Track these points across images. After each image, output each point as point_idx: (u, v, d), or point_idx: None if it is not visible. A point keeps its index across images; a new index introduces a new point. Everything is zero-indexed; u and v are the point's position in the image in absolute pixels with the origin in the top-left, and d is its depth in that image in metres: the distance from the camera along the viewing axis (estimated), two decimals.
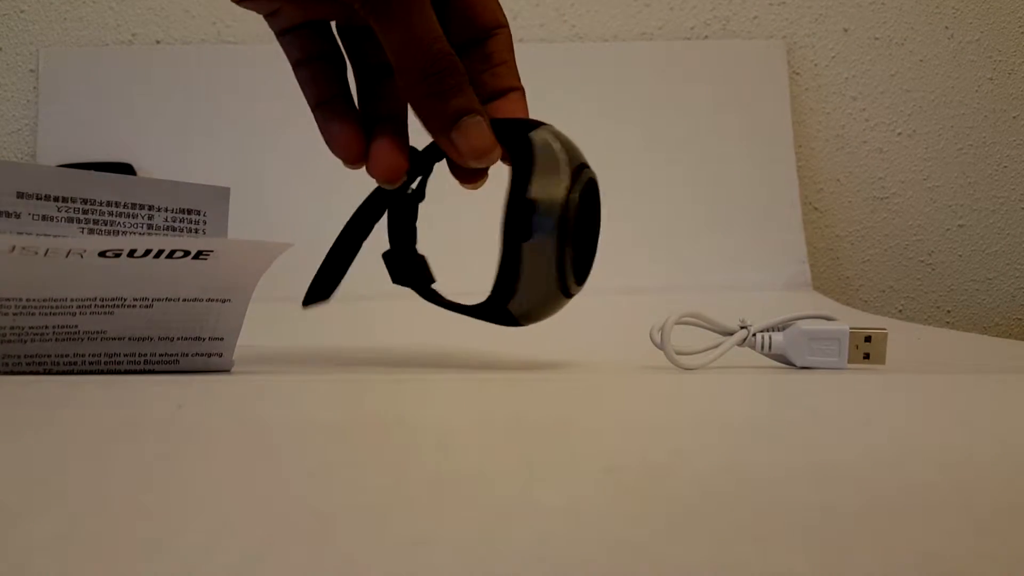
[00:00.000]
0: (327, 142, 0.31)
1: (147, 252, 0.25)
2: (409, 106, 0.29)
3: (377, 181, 0.31)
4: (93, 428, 0.20)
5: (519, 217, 0.28)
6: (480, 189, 0.32)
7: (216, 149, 0.91)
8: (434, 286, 0.33)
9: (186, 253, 0.26)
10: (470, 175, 0.31)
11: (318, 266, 0.34)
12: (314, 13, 0.31)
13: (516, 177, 0.29)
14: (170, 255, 0.26)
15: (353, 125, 0.31)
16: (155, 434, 0.19)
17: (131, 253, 0.25)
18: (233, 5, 0.30)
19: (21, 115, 1.00)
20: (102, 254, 0.25)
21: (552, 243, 0.28)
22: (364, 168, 0.31)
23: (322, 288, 0.33)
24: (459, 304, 0.31)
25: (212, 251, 0.26)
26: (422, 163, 0.32)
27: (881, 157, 1.01)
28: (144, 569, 0.11)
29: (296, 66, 0.32)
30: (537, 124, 0.30)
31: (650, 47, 0.98)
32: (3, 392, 0.24)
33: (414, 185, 0.33)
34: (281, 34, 0.32)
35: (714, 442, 0.19)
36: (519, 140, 0.29)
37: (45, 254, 0.25)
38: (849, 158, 1.01)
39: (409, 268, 0.33)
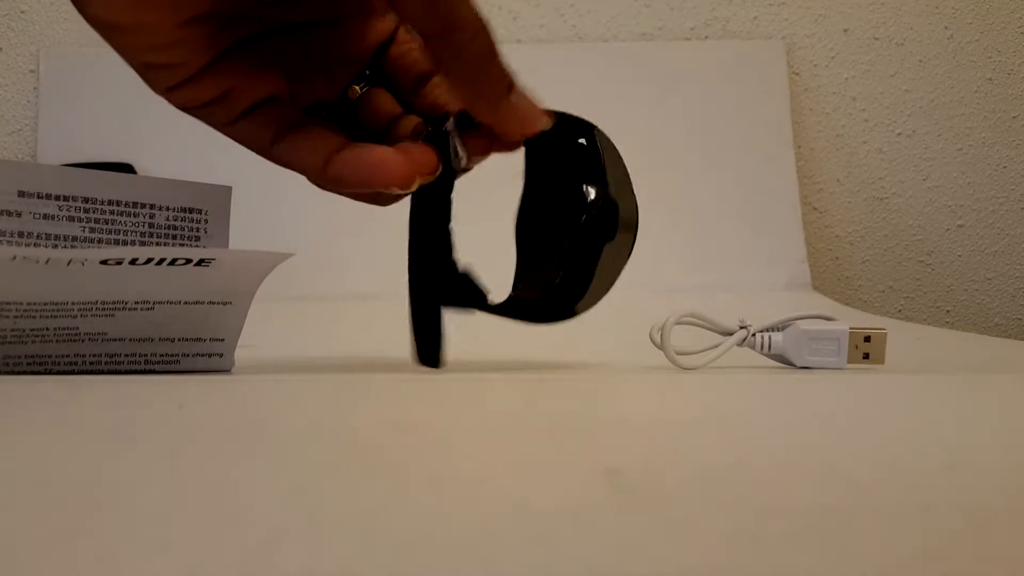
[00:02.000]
0: (370, 173, 0.27)
1: (149, 260, 0.25)
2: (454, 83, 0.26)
3: (420, 183, 0.28)
4: (93, 428, 0.20)
5: (603, 216, 0.28)
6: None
7: (217, 149, 0.91)
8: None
9: (188, 261, 0.26)
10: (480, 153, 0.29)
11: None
12: (274, 85, 0.27)
13: (589, 175, 0.28)
14: (172, 263, 0.26)
15: (381, 146, 0.27)
16: (155, 434, 0.19)
17: (133, 261, 0.25)
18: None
19: (22, 115, 1.00)
20: (103, 262, 0.25)
21: (629, 243, 0.29)
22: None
23: (433, 345, 0.29)
24: (514, 308, 0.30)
25: (214, 259, 0.26)
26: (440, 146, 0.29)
27: (881, 157, 1.01)
28: (144, 569, 0.11)
29: (274, 145, 0.27)
30: (585, 121, 0.29)
31: (650, 47, 0.98)
32: (3, 392, 0.24)
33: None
34: (237, 119, 0.27)
35: (714, 442, 0.19)
36: (585, 136, 0.28)
37: (46, 263, 0.25)
38: (849, 158, 1.01)
39: (454, 287, 0.29)
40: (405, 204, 0.30)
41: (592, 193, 0.28)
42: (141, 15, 0.24)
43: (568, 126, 0.29)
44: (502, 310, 0.30)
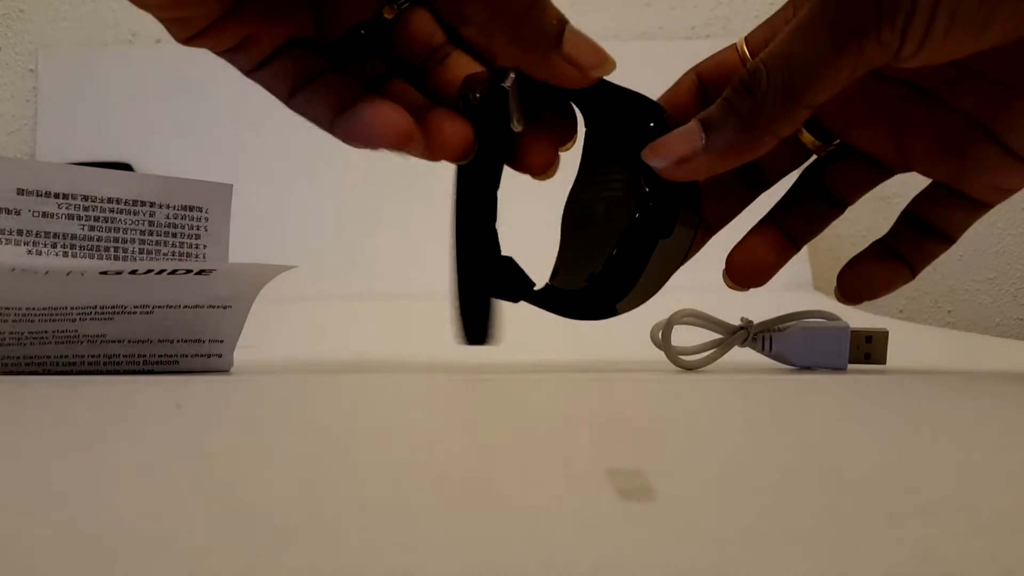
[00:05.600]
0: (361, 133, 0.25)
1: (148, 271, 0.25)
2: (494, 43, 0.25)
3: (445, 158, 0.27)
4: (92, 428, 0.20)
5: (660, 212, 0.26)
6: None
7: (216, 149, 0.91)
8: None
9: (188, 271, 0.26)
10: (546, 159, 0.27)
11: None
12: (295, 27, 0.26)
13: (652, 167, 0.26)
14: (172, 273, 0.26)
15: (386, 101, 0.26)
16: (154, 434, 0.19)
17: (132, 272, 0.25)
18: None
19: (20, 115, 1.00)
20: (103, 272, 0.25)
21: (687, 242, 0.27)
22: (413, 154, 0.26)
23: (482, 322, 0.28)
24: (553, 300, 0.28)
25: (215, 270, 0.26)
26: (487, 128, 0.26)
27: None
28: (144, 570, 0.11)
29: (290, 97, 0.27)
30: (654, 102, 0.27)
31: (650, 47, 0.98)
32: (2, 392, 0.24)
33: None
34: (258, 68, 0.27)
35: (714, 442, 0.19)
36: (654, 119, 0.26)
37: (45, 274, 0.25)
38: None
39: (496, 273, 0.27)
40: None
41: (651, 185, 0.26)
42: None
43: (635, 105, 0.27)
44: (541, 301, 0.28)
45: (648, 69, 1.08)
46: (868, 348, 0.30)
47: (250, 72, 0.27)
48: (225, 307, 0.28)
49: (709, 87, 0.30)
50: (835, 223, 0.31)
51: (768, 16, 0.30)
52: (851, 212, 0.30)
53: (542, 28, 0.23)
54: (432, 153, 0.26)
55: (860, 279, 0.30)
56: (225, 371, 0.29)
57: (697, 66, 0.30)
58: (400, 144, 0.25)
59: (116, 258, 0.28)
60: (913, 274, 0.30)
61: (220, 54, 0.26)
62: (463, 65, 0.27)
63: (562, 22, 0.24)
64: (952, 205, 0.29)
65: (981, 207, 0.29)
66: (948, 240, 0.29)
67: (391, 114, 0.25)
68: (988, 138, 0.26)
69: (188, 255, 0.29)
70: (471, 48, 0.27)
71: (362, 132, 0.25)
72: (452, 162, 0.27)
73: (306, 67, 0.26)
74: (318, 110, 0.26)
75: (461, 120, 0.26)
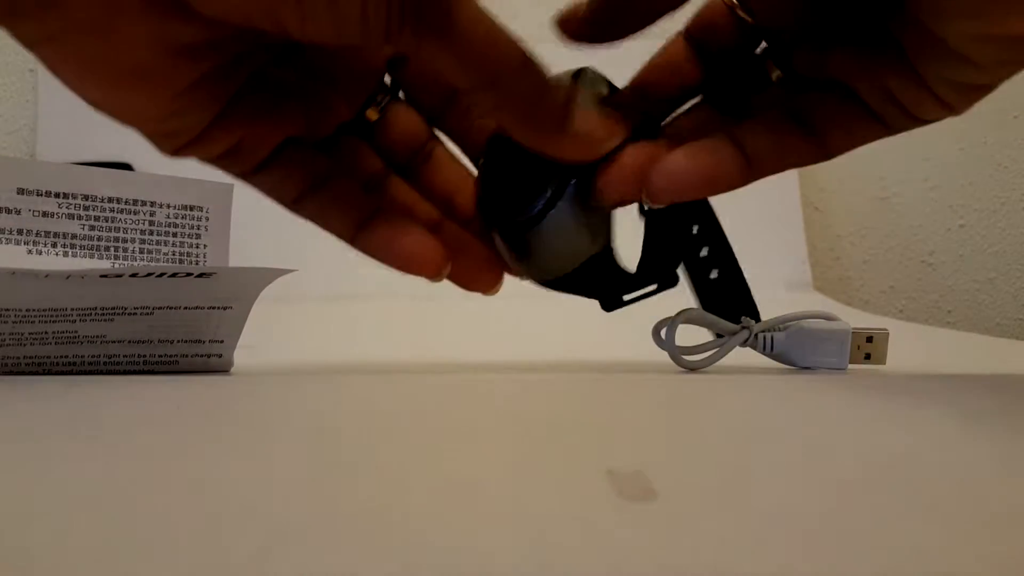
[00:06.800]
0: (397, 261, 0.25)
1: (149, 274, 0.25)
2: (499, 125, 0.24)
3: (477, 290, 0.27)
4: (92, 428, 0.20)
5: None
6: None
7: None
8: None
9: (188, 274, 0.26)
10: (490, 280, 0.27)
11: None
12: (288, 126, 0.24)
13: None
14: (172, 275, 0.26)
15: (417, 226, 0.25)
16: (154, 434, 0.19)
17: (133, 275, 0.25)
18: None
19: (20, 115, 1.00)
20: (103, 275, 0.25)
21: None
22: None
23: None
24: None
25: (215, 273, 0.26)
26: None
27: (882, 157, 1.01)
28: (143, 569, 0.11)
29: (296, 203, 0.25)
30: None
31: (650, 47, 0.98)
32: (2, 392, 0.24)
33: None
34: (255, 171, 0.25)
35: (715, 442, 0.19)
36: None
37: (45, 277, 0.25)
38: (849, 158, 1.00)
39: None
40: None
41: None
42: (124, 99, 0.21)
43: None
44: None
45: None
46: (868, 348, 0.30)
47: (247, 176, 0.25)
48: (225, 308, 0.28)
49: (703, 43, 0.27)
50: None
51: None
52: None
53: (551, 110, 0.22)
54: (460, 285, 0.27)
55: (684, 171, 0.25)
56: (225, 371, 0.29)
57: (686, 26, 0.28)
58: (433, 277, 0.26)
59: (116, 258, 0.28)
60: (752, 175, 0.25)
61: (211, 162, 0.24)
62: (447, 164, 0.27)
63: (568, 99, 0.23)
64: (852, 111, 0.27)
65: (878, 124, 0.27)
66: (819, 138, 0.27)
67: (428, 245, 0.25)
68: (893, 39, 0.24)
69: (188, 255, 0.29)
70: (457, 140, 0.27)
71: (398, 261, 0.25)
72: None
73: (310, 169, 0.25)
74: (334, 222, 0.25)
75: (486, 255, 0.26)
